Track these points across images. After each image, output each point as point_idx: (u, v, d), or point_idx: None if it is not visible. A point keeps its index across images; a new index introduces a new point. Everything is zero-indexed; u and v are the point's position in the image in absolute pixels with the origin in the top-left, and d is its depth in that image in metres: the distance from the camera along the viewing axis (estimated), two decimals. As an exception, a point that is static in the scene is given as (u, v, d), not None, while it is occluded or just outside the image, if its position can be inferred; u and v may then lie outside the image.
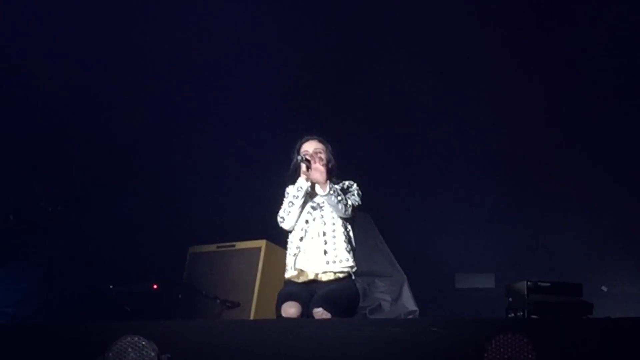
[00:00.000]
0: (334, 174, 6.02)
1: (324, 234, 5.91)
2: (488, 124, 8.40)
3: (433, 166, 8.64)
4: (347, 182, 6.09)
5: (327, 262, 5.85)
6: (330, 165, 6.00)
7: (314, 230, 5.93)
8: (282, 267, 5.99)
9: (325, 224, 5.94)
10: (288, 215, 5.96)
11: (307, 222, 5.95)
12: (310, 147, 6.08)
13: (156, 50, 8.21)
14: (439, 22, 8.25)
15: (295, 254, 5.91)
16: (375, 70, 8.53)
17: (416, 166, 8.69)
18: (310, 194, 5.98)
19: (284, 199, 6.04)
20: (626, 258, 7.88)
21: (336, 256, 5.87)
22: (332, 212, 5.93)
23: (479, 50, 8.27)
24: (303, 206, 5.96)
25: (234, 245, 7.41)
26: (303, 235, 5.94)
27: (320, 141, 6.12)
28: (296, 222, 5.96)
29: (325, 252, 5.88)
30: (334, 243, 5.89)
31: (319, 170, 5.87)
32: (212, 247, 7.53)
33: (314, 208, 5.99)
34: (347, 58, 8.56)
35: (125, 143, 8.23)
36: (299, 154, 6.06)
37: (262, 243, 7.17)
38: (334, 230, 5.92)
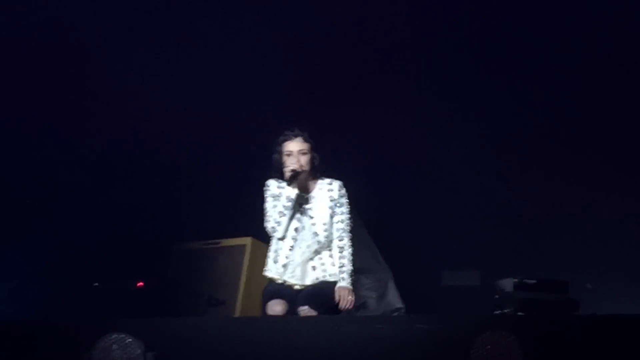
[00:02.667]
0: (318, 171, 5.94)
1: (316, 252, 5.85)
2: (474, 121, 8.39)
3: (419, 163, 8.61)
4: (335, 187, 5.95)
5: (316, 278, 5.82)
6: (315, 163, 5.91)
7: (303, 241, 5.84)
8: (267, 264, 5.97)
9: (316, 234, 5.85)
10: (279, 226, 5.84)
11: (296, 230, 5.87)
12: (294, 147, 5.88)
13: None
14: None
15: (284, 265, 5.85)
16: (355, 67, 8.54)
17: (402, 162, 8.67)
18: (299, 200, 5.90)
19: (266, 196, 5.95)
20: (613, 255, 7.89)
21: (324, 270, 5.84)
22: (323, 221, 5.86)
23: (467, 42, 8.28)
24: (293, 214, 5.88)
25: (219, 243, 7.40)
26: (292, 244, 5.87)
27: (303, 139, 5.91)
28: (287, 230, 5.87)
29: (314, 268, 5.84)
30: (321, 259, 5.85)
31: (307, 179, 5.84)
32: (197, 244, 7.51)
33: (302, 214, 5.90)
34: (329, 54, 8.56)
35: (109, 140, 8.19)
36: (280, 152, 5.93)
37: (247, 240, 7.16)
38: (323, 243, 5.85)
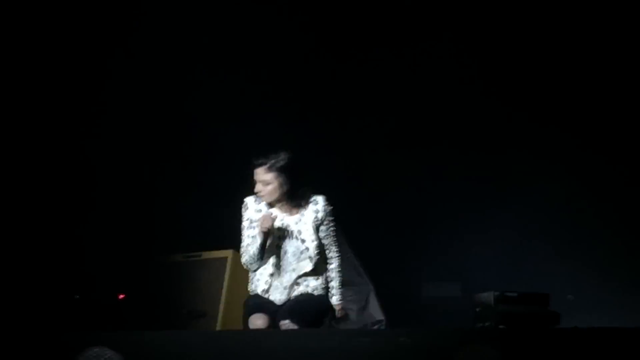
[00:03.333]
0: (294, 193, 5.75)
1: (299, 278, 5.77)
2: (456, 130, 8.43)
3: (400, 175, 8.63)
4: (320, 206, 5.80)
5: (299, 292, 5.76)
6: (285, 189, 5.70)
7: (289, 266, 5.77)
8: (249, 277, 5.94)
9: (310, 258, 5.76)
10: (250, 257, 5.73)
11: (277, 258, 5.78)
12: (257, 176, 5.70)
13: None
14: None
15: (264, 290, 5.78)
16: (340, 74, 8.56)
17: (382, 174, 8.68)
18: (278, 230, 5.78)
19: (243, 217, 5.83)
20: (592, 267, 7.92)
21: (307, 285, 5.80)
22: (315, 244, 5.76)
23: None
24: (265, 243, 5.73)
25: (200, 255, 7.38)
26: (272, 271, 5.79)
27: (266, 169, 5.67)
28: (262, 259, 5.75)
29: (297, 284, 5.81)
30: (306, 277, 5.80)
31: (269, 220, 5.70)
32: (178, 257, 7.49)
33: (281, 238, 5.78)
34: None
35: (90, 148, 8.16)
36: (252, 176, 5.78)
37: (228, 253, 7.14)
38: (314, 263, 5.79)
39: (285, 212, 5.78)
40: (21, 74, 7.83)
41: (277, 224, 5.74)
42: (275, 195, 5.71)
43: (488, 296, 5.80)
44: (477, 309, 5.92)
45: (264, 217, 5.68)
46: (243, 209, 5.86)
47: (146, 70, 8.20)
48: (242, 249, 5.82)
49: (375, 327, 7.82)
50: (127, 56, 8.13)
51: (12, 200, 7.76)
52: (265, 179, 5.68)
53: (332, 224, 5.86)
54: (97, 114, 8.16)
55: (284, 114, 8.31)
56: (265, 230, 5.64)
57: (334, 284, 5.86)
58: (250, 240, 5.74)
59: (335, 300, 5.86)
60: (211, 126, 8.30)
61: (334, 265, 5.86)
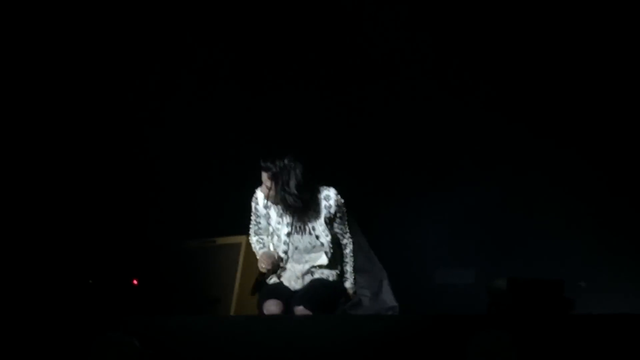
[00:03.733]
0: (301, 195, 5.72)
1: (313, 268, 5.83)
2: (468, 120, 8.39)
3: (413, 162, 8.61)
4: (332, 198, 5.80)
5: (314, 279, 5.81)
6: (289, 193, 5.67)
7: (301, 257, 5.82)
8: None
9: (325, 252, 5.81)
10: (254, 250, 5.95)
11: (286, 252, 5.84)
12: (263, 179, 5.75)
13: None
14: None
15: (278, 275, 5.85)
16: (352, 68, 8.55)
17: (396, 162, 8.67)
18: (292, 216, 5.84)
19: (252, 209, 5.95)
20: (606, 253, 7.90)
21: (322, 273, 5.84)
22: (327, 236, 5.79)
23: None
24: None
25: (215, 241, 7.40)
26: (285, 258, 5.84)
27: (271, 175, 5.68)
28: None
29: (311, 274, 5.83)
30: (321, 269, 5.82)
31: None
32: (193, 243, 7.51)
33: (290, 235, 5.84)
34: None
35: (102, 133, 8.18)
36: None
37: (242, 239, 7.14)
38: (327, 253, 5.82)
39: (297, 209, 5.78)
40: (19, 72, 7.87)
41: (287, 219, 5.79)
42: (278, 199, 5.73)
43: (502, 282, 5.79)
44: (491, 295, 5.91)
45: (263, 257, 5.80)
46: (252, 201, 5.93)
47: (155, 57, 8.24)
48: (250, 237, 6.00)
49: (389, 313, 7.84)
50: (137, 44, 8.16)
51: (28, 188, 7.78)
52: (268, 184, 5.72)
53: (344, 216, 5.89)
54: (111, 100, 8.17)
55: (299, 105, 8.32)
56: (263, 271, 5.78)
57: (348, 268, 5.91)
58: (254, 235, 5.95)
59: (348, 284, 5.90)
60: (226, 111, 8.32)
61: (347, 250, 5.91)
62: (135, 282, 7.65)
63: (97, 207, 8.05)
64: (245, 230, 6.18)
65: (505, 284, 5.78)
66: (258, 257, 5.86)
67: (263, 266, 5.76)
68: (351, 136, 8.57)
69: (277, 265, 5.80)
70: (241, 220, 6.55)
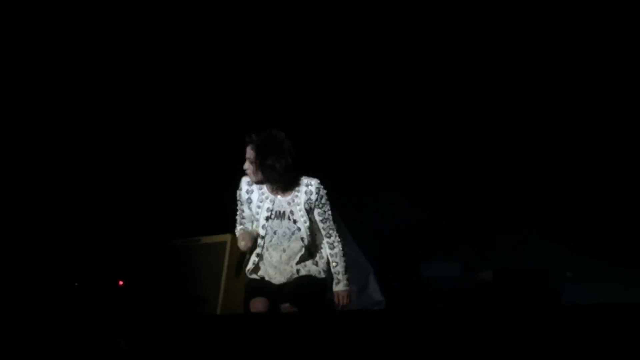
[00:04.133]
0: (282, 176, 5.71)
1: (295, 255, 5.79)
2: (451, 111, 8.43)
3: (395, 154, 8.62)
4: (314, 188, 5.77)
5: (298, 274, 5.79)
6: (270, 168, 5.65)
7: (279, 245, 5.79)
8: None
9: (302, 239, 5.76)
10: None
11: (263, 237, 5.82)
12: (247, 154, 5.72)
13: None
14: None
15: (249, 270, 5.85)
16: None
17: (378, 155, 8.68)
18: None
19: (237, 198, 5.93)
20: (591, 244, 7.93)
21: (307, 269, 5.83)
22: (307, 225, 5.76)
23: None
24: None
25: (199, 240, 7.38)
26: (260, 252, 5.82)
27: (254, 146, 5.68)
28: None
29: (297, 270, 5.79)
30: (302, 259, 5.79)
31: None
32: (177, 242, 7.49)
33: (268, 219, 5.82)
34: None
35: (90, 132, 8.16)
36: None
37: (227, 237, 7.13)
38: (307, 246, 5.78)
39: (278, 192, 5.78)
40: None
41: (267, 204, 5.76)
42: (260, 174, 5.69)
43: (487, 275, 5.80)
44: (477, 288, 5.92)
45: (242, 234, 5.81)
46: (238, 190, 5.90)
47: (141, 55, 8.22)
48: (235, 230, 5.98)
49: (375, 307, 7.84)
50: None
51: (11, 190, 7.75)
52: (250, 156, 5.69)
53: (327, 208, 5.83)
54: (93, 99, 8.14)
55: (285, 98, 8.32)
56: (243, 249, 5.76)
57: (339, 269, 5.82)
58: (238, 224, 5.92)
59: (342, 286, 5.82)
60: (209, 109, 8.31)
61: (337, 250, 5.84)
62: (121, 283, 7.63)
63: (81, 210, 8.02)
64: (230, 230, 6.18)
65: (491, 276, 5.78)
66: (237, 237, 5.85)
67: (242, 244, 5.73)
68: (336, 128, 8.59)
69: (256, 242, 5.77)
70: (225, 219, 6.55)
